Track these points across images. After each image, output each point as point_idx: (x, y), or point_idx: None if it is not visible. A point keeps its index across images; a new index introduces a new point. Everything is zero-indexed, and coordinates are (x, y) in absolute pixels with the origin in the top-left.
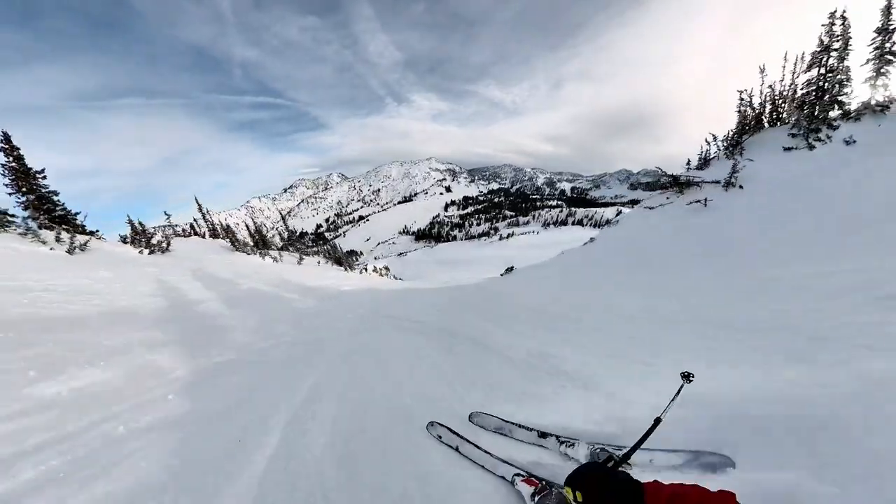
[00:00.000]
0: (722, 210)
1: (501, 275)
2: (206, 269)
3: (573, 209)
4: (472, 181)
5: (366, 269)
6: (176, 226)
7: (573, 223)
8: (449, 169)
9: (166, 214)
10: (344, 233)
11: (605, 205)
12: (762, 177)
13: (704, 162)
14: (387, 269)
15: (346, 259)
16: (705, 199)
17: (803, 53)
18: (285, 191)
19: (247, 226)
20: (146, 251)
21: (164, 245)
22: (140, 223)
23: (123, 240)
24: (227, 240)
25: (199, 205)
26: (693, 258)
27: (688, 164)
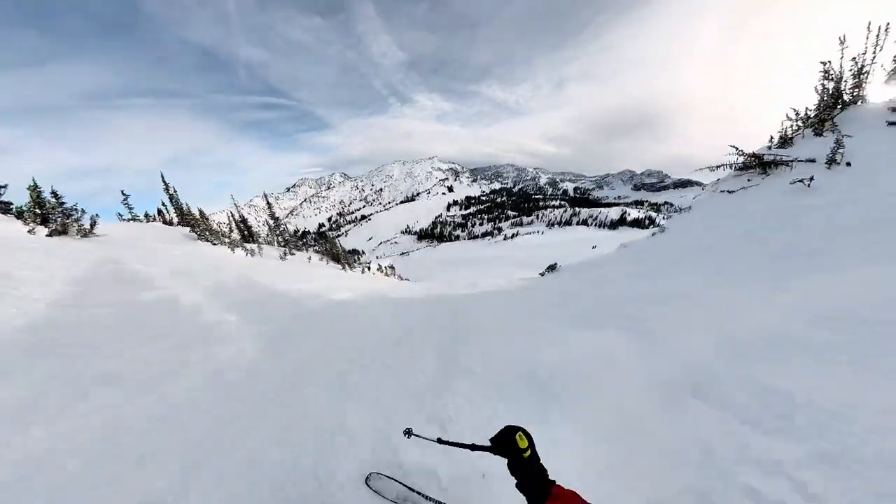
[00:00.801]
0: (831, 191)
1: (542, 274)
2: (125, 262)
3: (578, 209)
4: (475, 181)
5: (368, 268)
6: (133, 210)
7: (578, 223)
8: (451, 168)
9: (124, 195)
10: (346, 232)
11: (609, 205)
12: (868, 153)
13: (785, 141)
14: (392, 268)
15: (345, 256)
16: (810, 178)
17: (888, 25)
18: (288, 190)
19: (231, 216)
20: (44, 231)
21: (87, 227)
22: (54, 194)
23: (19, 214)
24: (190, 227)
25: (165, 184)
26: (828, 246)
27: (770, 141)
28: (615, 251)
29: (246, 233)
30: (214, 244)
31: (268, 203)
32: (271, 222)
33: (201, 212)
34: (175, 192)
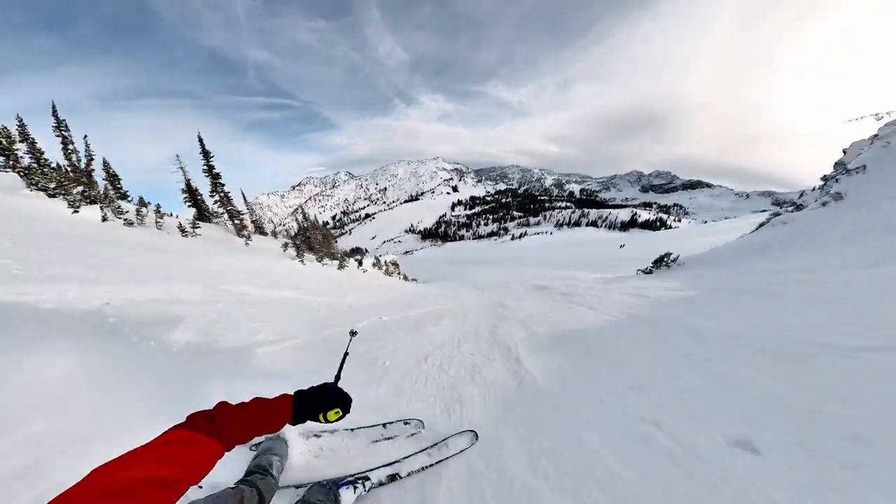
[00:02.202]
0: None
1: (647, 271)
2: None
3: (586, 210)
4: (479, 181)
5: (359, 263)
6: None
7: (587, 224)
8: (456, 169)
9: None
10: (350, 230)
11: (616, 206)
12: None
13: None
14: (395, 265)
15: (325, 244)
16: None
17: None
18: (293, 188)
19: (187, 183)
20: None
21: None
22: None
23: None
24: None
25: (57, 120)
26: None
27: None
28: (767, 229)
29: (191, 205)
30: (52, 196)
31: (204, 152)
32: (208, 182)
33: (91, 165)
34: (65, 128)
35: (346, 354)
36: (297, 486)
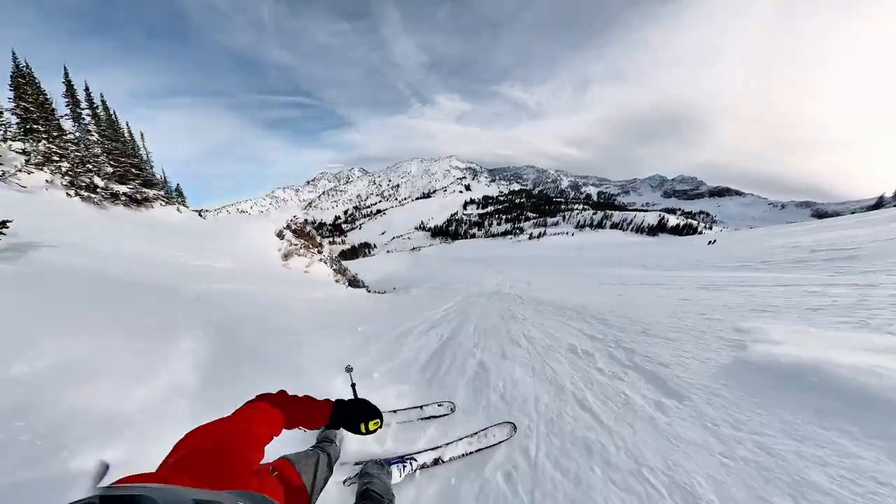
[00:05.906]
0: None
1: None
2: None
3: (608, 211)
4: (493, 181)
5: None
6: None
7: (610, 226)
8: (469, 168)
9: None
10: (360, 225)
11: (637, 211)
12: None
13: None
14: (338, 262)
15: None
16: None
17: None
18: (308, 183)
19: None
20: None
21: None
22: None
23: None
24: None
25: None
26: None
27: None
28: None
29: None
30: None
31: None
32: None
33: None
34: None
35: (353, 384)
36: (356, 463)
